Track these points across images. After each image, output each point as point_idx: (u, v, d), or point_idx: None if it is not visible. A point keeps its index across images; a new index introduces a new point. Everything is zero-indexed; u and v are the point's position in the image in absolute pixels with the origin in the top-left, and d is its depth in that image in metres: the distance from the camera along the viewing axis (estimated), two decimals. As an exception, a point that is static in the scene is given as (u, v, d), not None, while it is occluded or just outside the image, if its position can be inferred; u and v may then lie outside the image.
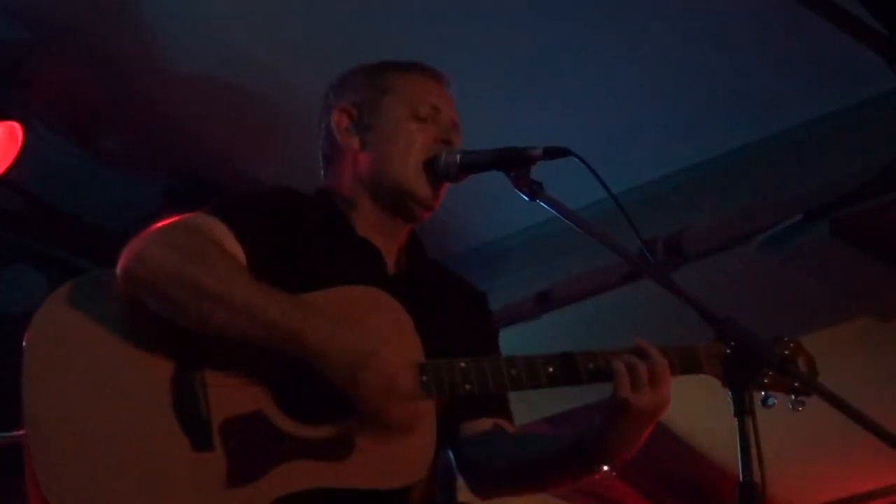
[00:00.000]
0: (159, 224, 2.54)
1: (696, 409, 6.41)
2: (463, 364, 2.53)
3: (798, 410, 2.70)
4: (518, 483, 2.77)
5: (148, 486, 2.34)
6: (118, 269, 2.46)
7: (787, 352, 2.71)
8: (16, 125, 4.67)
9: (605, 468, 2.63)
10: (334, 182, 2.85)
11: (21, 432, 2.37)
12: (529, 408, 4.82)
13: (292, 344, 2.41)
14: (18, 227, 5.20)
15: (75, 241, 5.18)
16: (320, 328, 2.41)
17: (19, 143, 4.67)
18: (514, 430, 2.81)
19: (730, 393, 2.49)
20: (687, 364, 2.66)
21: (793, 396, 2.71)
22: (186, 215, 2.60)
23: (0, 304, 4.89)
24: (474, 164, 2.72)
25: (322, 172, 2.91)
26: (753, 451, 2.23)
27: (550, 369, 2.58)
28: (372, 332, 2.45)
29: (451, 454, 2.77)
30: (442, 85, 2.87)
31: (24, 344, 2.41)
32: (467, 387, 2.53)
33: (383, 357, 2.42)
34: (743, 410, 2.29)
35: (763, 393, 2.66)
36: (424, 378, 2.49)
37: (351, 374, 2.41)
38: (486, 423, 2.75)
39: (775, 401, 2.67)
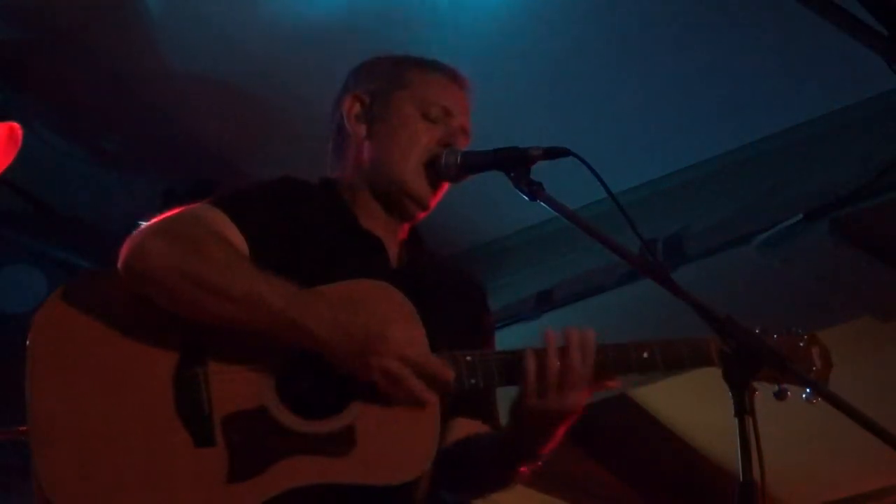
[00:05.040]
0: (160, 216, 2.54)
1: (696, 408, 6.42)
2: (469, 358, 2.51)
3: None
4: (470, 485, 2.74)
5: (150, 483, 2.34)
6: (119, 263, 2.45)
7: (801, 343, 2.70)
8: (16, 125, 4.66)
9: (524, 468, 2.62)
10: (339, 169, 2.85)
11: (24, 428, 2.38)
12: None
13: (297, 333, 2.39)
14: (18, 227, 5.20)
15: (75, 241, 5.18)
16: (324, 316, 2.39)
17: (19, 143, 4.67)
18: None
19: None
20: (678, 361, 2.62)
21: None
22: (188, 206, 2.58)
23: (0, 304, 4.89)
24: (475, 163, 2.72)
25: (329, 159, 2.90)
26: (753, 451, 2.23)
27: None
28: (379, 316, 2.42)
29: None
30: (460, 89, 2.86)
31: (27, 343, 2.41)
32: (472, 381, 2.50)
33: (391, 338, 2.40)
34: (743, 410, 2.29)
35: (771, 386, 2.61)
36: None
37: (360, 360, 2.39)
38: (461, 424, 2.72)
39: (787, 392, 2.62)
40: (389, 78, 2.84)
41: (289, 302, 2.39)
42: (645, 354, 2.59)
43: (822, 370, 2.70)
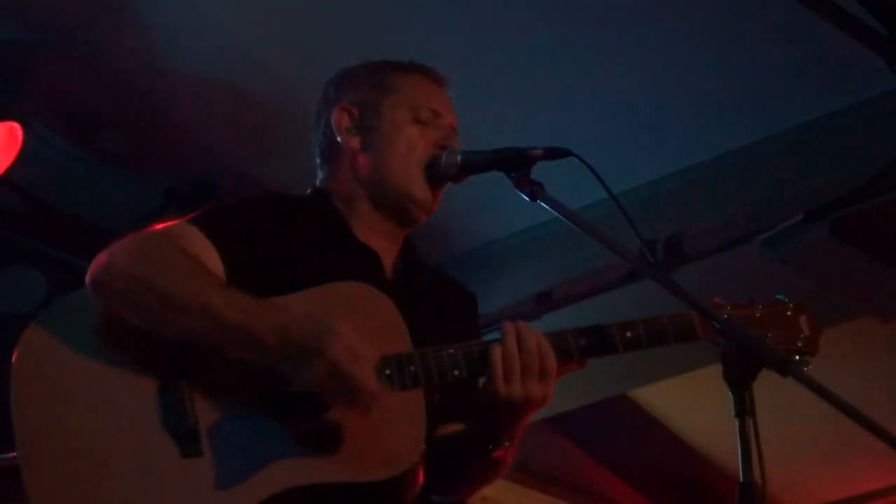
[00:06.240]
0: (131, 234, 2.54)
1: (696, 408, 6.42)
2: (451, 351, 2.52)
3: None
4: (452, 481, 2.73)
5: (140, 498, 2.36)
6: (87, 277, 2.46)
7: (788, 313, 2.69)
8: (16, 125, 4.67)
9: (494, 453, 2.62)
10: (332, 181, 2.84)
11: (13, 454, 2.38)
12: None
13: (252, 346, 2.37)
14: (18, 227, 5.21)
15: (75, 241, 5.18)
16: (275, 325, 2.36)
17: (19, 143, 4.68)
18: None
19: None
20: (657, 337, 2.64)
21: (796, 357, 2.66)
22: (164, 224, 2.59)
23: (0, 304, 4.89)
24: (475, 164, 2.72)
25: (318, 170, 2.89)
26: (753, 451, 2.23)
27: None
28: (324, 316, 2.39)
29: None
30: (442, 88, 2.87)
31: (12, 365, 2.42)
32: (455, 372, 2.51)
33: (338, 341, 2.34)
34: (743, 410, 2.29)
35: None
36: (412, 368, 2.48)
37: (308, 358, 2.35)
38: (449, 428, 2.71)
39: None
40: (374, 85, 2.83)
41: (244, 313, 2.37)
42: (628, 334, 2.63)
43: (811, 337, 2.69)
